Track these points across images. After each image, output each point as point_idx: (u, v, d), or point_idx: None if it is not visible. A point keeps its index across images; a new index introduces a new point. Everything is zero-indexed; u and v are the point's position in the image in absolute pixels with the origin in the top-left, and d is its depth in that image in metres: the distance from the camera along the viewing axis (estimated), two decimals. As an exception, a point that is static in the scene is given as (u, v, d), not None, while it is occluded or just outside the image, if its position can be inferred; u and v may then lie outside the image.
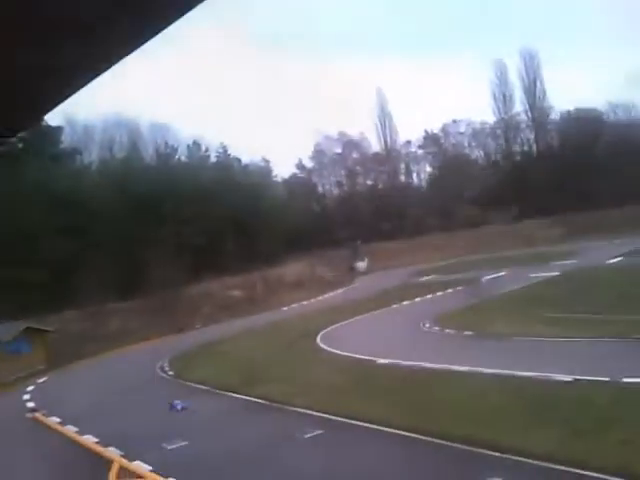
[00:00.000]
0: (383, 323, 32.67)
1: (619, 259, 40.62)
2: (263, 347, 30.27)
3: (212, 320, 45.56)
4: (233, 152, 78.51)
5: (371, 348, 24.62)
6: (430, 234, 73.91)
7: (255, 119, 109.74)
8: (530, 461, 11.28)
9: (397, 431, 14.35)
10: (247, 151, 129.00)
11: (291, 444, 14.88)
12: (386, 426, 14.82)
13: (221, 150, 77.60)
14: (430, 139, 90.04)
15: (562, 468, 10.78)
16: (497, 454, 11.90)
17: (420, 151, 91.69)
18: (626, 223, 58.65)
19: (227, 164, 76.66)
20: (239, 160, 78.67)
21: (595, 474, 10.30)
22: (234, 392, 21.79)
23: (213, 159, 77.60)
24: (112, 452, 16.09)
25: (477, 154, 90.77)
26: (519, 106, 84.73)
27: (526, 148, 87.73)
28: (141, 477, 13.99)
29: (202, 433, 17.17)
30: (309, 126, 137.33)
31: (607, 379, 15.10)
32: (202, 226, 60.01)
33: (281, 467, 13.52)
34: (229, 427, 17.59)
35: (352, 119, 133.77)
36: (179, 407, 20.49)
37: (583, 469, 10.53)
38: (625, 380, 14.75)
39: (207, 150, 76.37)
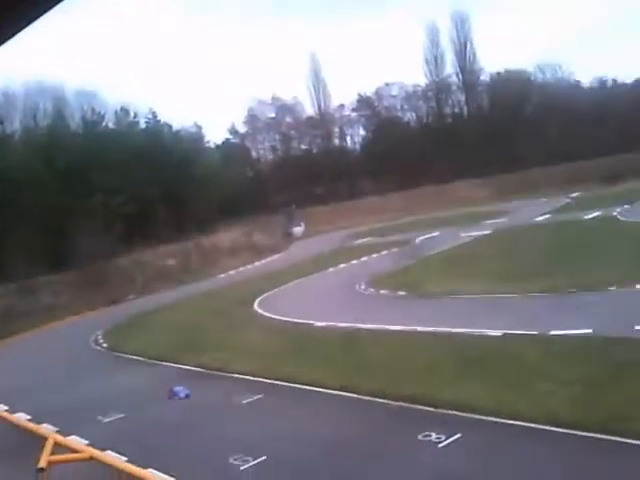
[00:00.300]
0: (319, 287, 32.87)
1: (546, 217, 42.02)
2: (200, 315, 29.97)
3: (146, 290, 44.71)
4: (163, 118, 76.66)
5: (308, 312, 24.77)
6: (364, 197, 74.64)
7: (186, 84, 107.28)
8: (462, 414, 11.65)
9: (336, 392, 14.51)
10: (178, 117, 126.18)
11: (229, 410, 14.89)
12: (325, 387, 14.96)
13: (150, 116, 75.58)
14: (363, 102, 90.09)
15: (492, 419, 11.19)
16: (431, 409, 12.22)
17: (354, 114, 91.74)
18: (552, 182, 60.78)
19: (157, 130, 74.67)
20: (170, 126, 76.77)
21: (526, 423, 10.73)
22: (171, 362, 21.53)
23: (142, 125, 75.54)
24: (46, 428, 15.70)
25: (409, 117, 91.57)
26: (450, 68, 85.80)
27: (457, 110, 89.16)
28: (77, 451, 13.73)
29: (138, 405, 16.94)
30: (242, 91, 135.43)
31: (535, 332, 15.67)
32: (133, 194, 58.63)
33: (215, 433, 13.52)
34: (165, 398, 17.42)
35: (285, 83, 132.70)
36: (182, 394, 16.68)
37: (513, 419, 10.96)
38: (552, 333, 15.34)
39: (136, 116, 74.15)
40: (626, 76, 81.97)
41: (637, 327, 14.22)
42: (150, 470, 11.72)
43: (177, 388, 16.96)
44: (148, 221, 58.65)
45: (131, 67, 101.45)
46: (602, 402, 10.72)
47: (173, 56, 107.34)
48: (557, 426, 10.31)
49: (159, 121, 75.98)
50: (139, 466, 11.99)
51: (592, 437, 9.75)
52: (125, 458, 12.65)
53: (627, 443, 9.34)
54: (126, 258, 50.16)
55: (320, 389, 15.02)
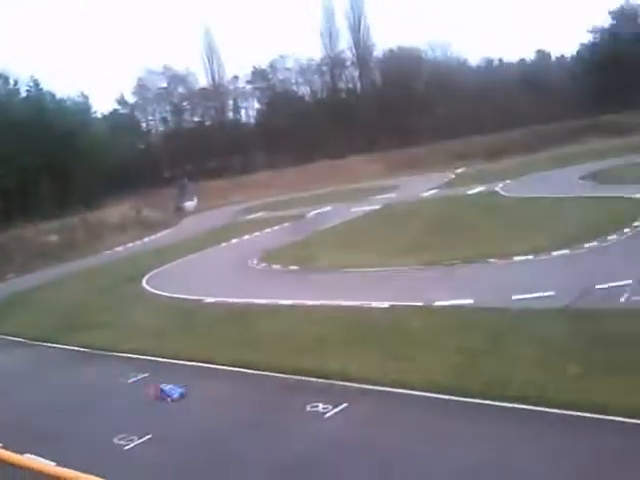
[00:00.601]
0: (210, 262, 32.37)
1: (432, 192, 43.43)
2: (85, 293, 28.77)
3: (27, 269, 42.24)
4: (47, 87, 72.61)
5: (198, 288, 24.33)
6: (259, 171, 74.13)
7: (73, 53, 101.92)
8: (349, 384, 11.91)
9: (225, 367, 14.43)
10: (64, 86, 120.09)
11: (113, 390, 14.44)
12: (215, 363, 14.84)
13: (32, 84, 71.27)
14: (258, 75, 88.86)
15: (378, 388, 11.45)
16: (319, 380, 12.39)
17: (248, 87, 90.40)
18: (441, 158, 62.87)
19: (40, 99, 70.51)
20: (53, 95, 72.76)
21: (409, 391, 11.10)
22: (53, 342, 20.53)
23: (23, 94, 71.20)
24: None
25: (304, 91, 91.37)
26: (345, 44, 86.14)
27: (351, 85, 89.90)
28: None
29: (17, 387, 16.13)
30: (132, 60, 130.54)
31: (421, 304, 16.17)
32: (12, 167, 55.29)
33: (100, 414, 13.18)
34: (47, 379, 16.67)
35: (177, 53, 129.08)
36: (175, 395, 12.99)
37: (397, 388, 11.32)
38: (436, 304, 15.88)
39: (16, 84, 69.86)
40: (511, 56, 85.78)
41: (514, 297, 14.96)
42: (27, 455, 11.17)
43: (168, 387, 13.25)
44: (29, 195, 55.68)
45: (10, 31, 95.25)
46: (479, 370, 11.23)
47: (58, 21, 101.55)
48: (439, 393, 10.73)
49: (41, 90, 71.89)
50: (16, 451, 11.46)
51: (471, 402, 10.21)
52: (-1, 444, 12.01)
53: (502, 407, 9.86)
54: (4, 235, 47.28)
55: (210, 365, 14.88)
